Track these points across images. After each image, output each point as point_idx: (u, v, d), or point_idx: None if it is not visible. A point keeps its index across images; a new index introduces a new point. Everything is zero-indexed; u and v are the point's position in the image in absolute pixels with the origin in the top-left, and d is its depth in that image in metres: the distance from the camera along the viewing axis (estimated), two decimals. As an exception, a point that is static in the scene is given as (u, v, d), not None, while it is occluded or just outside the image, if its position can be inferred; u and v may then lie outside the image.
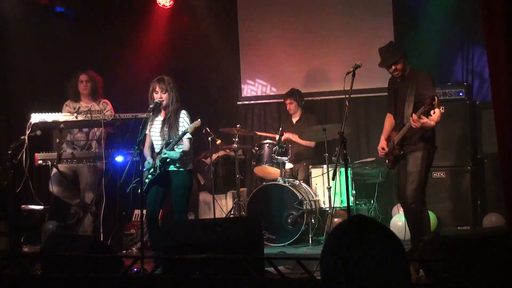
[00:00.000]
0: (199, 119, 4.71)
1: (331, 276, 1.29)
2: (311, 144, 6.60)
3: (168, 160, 4.79)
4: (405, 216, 4.96)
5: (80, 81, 5.92)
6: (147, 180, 4.86)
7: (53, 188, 5.70)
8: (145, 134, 4.95)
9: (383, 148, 4.95)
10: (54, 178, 5.70)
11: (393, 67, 4.76)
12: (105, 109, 5.84)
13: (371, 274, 1.24)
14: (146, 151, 4.99)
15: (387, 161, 5.01)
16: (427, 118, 4.39)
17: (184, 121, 4.85)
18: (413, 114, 4.44)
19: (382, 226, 1.33)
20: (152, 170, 4.87)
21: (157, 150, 4.96)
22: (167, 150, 4.75)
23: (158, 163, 4.81)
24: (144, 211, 4.66)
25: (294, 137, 6.53)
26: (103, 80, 6.15)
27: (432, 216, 5.87)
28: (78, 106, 5.84)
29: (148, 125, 4.97)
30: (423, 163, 4.68)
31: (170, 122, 4.83)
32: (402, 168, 4.84)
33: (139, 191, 4.60)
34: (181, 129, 4.78)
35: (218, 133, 6.45)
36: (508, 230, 3.51)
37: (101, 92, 6.03)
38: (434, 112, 4.44)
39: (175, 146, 4.78)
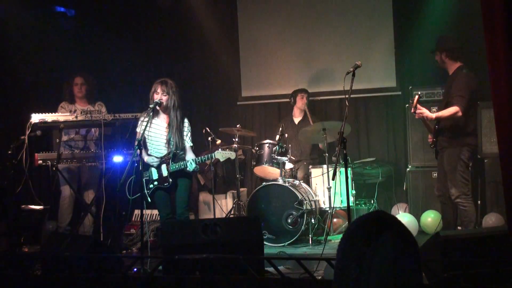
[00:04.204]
0: (234, 152, 5.04)
1: (344, 267, 1.30)
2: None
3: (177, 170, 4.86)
4: (442, 211, 5.24)
5: (75, 84, 5.93)
6: (151, 186, 4.88)
7: (68, 191, 5.72)
8: (140, 133, 4.92)
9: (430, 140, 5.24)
10: (64, 182, 5.70)
11: (436, 56, 5.13)
12: (100, 111, 5.84)
13: (382, 270, 1.25)
14: (146, 156, 5.00)
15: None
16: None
17: (188, 131, 4.96)
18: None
19: (400, 224, 1.33)
20: (158, 177, 4.88)
21: (156, 154, 4.92)
22: (188, 163, 4.82)
23: (168, 173, 4.84)
24: (145, 211, 4.65)
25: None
26: (103, 81, 6.16)
27: (437, 216, 5.90)
28: (74, 108, 5.83)
29: (147, 126, 4.96)
30: (458, 162, 4.90)
31: (178, 132, 4.85)
32: (440, 162, 5.09)
33: (141, 190, 4.60)
34: (184, 138, 4.91)
35: (218, 133, 6.45)
36: (508, 230, 3.50)
37: (96, 95, 6.03)
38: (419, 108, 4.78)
39: (181, 154, 4.91)
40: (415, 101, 4.72)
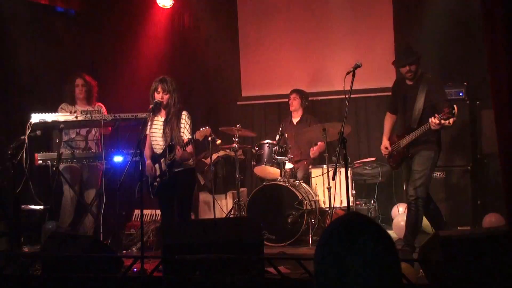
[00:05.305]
0: (208, 127, 4.76)
1: (322, 271, 1.29)
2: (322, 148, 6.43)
3: (174, 162, 4.82)
4: (425, 215, 5.06)
5: (76, 85, 5.93)
6: (155, 183, 4.89)
7: (70, 191, 5.72)
8: (146, 135, 4.97)
9: (386, 148, 5.09)
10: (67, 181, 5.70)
11: (408, 68, 4.89)
12: (100, 111, 5.84)
13: (360, 272, 1.24)
14: (147, 152, 5.02)
15: (390, 161, 5.09)
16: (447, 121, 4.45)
17: (186, 122, 4.89)
18: (433, 118, 4.47)
19: (376, 226, 1.33)
20: (159, 174, 4.89)
21: (157, 151, 4.96)
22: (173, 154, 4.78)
23: (165, 166, 4.83)
24: (145, 211, 4.67)
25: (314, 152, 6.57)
26: (103, 81, 6.17)
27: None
28: (74, 110, 5.83)
29: (148, 125, 4.98)
30: (429, 163, 4.81)
31: (172, 124, 4.85)
32: (408, 168, 4.95)
33: (140, 189, 4.60)
34: (183, 130, 4.85)
35: (218, 133, 6.45)
36: (508, 230, 3.51)
37: (96, 96, 6.04)
38: (454, 120, 4.46)
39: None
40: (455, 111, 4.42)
